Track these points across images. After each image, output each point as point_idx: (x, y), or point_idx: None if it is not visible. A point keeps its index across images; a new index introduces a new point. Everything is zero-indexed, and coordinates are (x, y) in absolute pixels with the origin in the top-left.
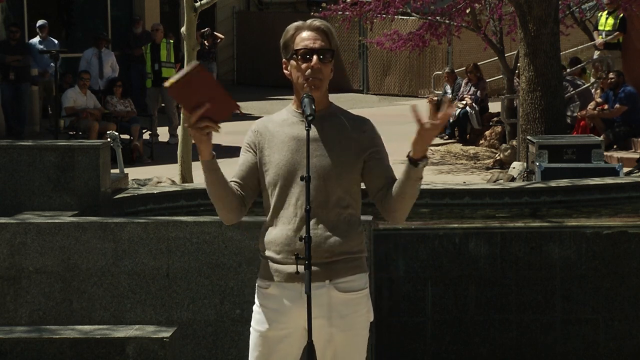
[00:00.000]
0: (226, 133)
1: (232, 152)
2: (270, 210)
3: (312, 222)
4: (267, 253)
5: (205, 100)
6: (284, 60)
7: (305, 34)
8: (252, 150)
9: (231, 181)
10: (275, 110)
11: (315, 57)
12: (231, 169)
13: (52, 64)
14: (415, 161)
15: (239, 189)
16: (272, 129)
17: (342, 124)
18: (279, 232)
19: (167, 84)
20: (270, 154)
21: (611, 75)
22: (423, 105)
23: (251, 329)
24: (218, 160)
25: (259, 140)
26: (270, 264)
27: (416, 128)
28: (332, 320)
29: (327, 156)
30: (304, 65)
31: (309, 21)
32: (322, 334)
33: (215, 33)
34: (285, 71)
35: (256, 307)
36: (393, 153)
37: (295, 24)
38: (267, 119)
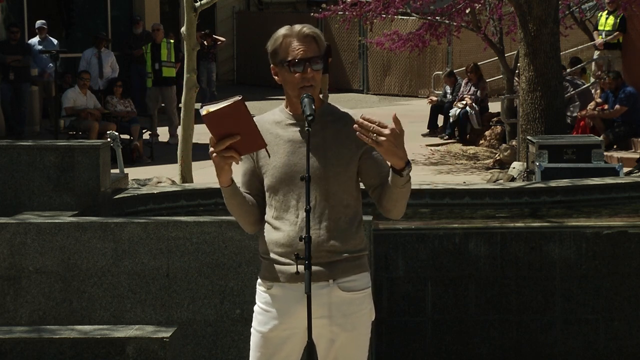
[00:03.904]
0: None
1: None
2: (272, 212)
3: (313, 222)
4: (269, 254)
5: (236, 132)
6: (272, 66)
7: (295, 43)
8: (249, 157)
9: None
10: None
11: (309, 68)
12: (232, 169)
13: (50, 64)
14: (399, 171)
15: (252, 199)
16: (265, 130)
17: (337, 122)
18: (281, 234)
19: (203, 112)
20: (266, 156)
21: (609, 80)
22: (423, 105)
23: (252, 329)
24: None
25: None
26: (272, 265)
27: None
28: (336, 319)
29: (325, 156)
30: (297, 75)
31: (297, 28)
32: (325, 334)
33: (216, 37)
34: (275, 77)
35: (257, 308)
36: None
37: (282, 31)
38: (260, 120)
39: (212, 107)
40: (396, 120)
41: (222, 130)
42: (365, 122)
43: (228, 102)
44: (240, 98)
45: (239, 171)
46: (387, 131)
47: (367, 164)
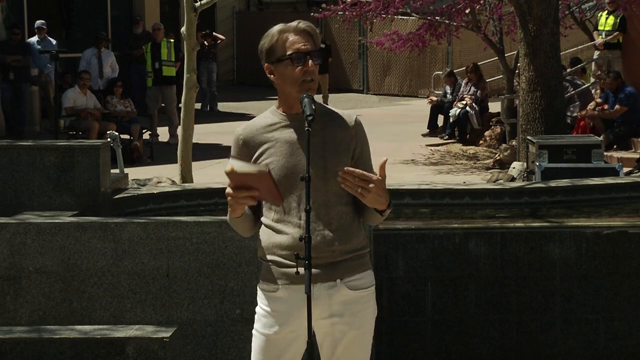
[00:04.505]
0: (225, 133)
1: None
2: (272, 215)
3: (317, 223)
4: (273, 257)
5: (256, 187)
6: (266, 64)
7: (293, 37)
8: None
9: None
10: None
11: (310, 60)
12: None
13: (49, 64)
14: (380, 212)
15: (248, 207)
16: (258, 135)
17: (331, 122)
18: (285, 237)
19: (228, 168)
20: (262, 161)
21: (609, 80)
22: (423, 105)
23: (254, 332)
24: (219, 160)
25: (247, 152)
26: (276, 267)
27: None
28: (345, 318)
29: (323, 156)
30: (297, 69)
31: (293, 24)
32: (332, 333)
33: (215, 34)
34: (270, 75)
35: (261, 311)
36: (393, 153)
37: (277, 27)
38: (250, 126)
39: (238, 167)
40: (382, 166)
41: (243, 185)
42: (350, 176)
43: (254, 168)
44: (267, 171)
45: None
46: (371, 185)
47: (353, 165)
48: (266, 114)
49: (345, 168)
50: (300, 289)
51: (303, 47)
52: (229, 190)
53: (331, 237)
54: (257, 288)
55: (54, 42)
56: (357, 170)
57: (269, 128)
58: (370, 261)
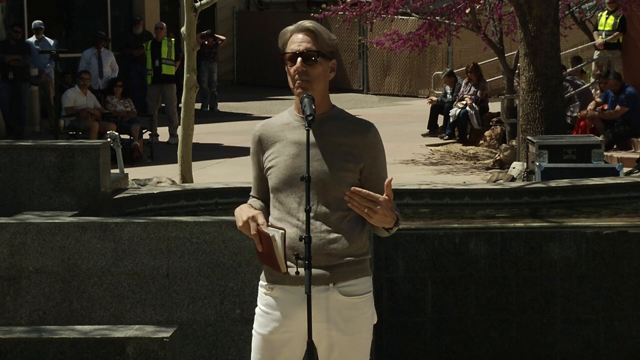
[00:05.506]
0: (225, 133)
1: (233, 152)
2: (275, 213)
3: (315, 225)
4: None
5: (265, 250)
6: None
7: (294, 36)
8: (258, 161)
9: (253, 196)
10: (275, 110)
11: (299, 59)
12: (232, 169)
13: (48, 64)
14: (387, 229)
15: (262, 204)
16: (272, 133)
17: (344, 127)
18: None
19: (277, 234)
20: (271, 159)
21: (612, 82)
22: (423, 105)
23: (253, 331)
24: (219, 160)
25: (261, 148)
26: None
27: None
28: (337, 324)
29: (329, 160)
30: (292, 69)
31: (299, 22)
32: (325, 338)
33: (216, 35)
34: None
35: (259, 310)
36: (393, 153)
37: (290, 27)
38: (267, 124)
39: (279, 241)
40: (388, 185)
41: (262, 237)
42: (357, 197)
43: (282, 260)
44: (283, 272)
45: (251, 176)
46: (378, 207)
47: (366, 179)
48: (283, 114)
49: (353, 188)
50: (295, 290)
51: (296, 46)
52: (240, 224)
53: (328, 240)
54: (258, 286)
55: (51, 42)
56: (364, 190)
57: (283, 127)
58: (371, 261)
